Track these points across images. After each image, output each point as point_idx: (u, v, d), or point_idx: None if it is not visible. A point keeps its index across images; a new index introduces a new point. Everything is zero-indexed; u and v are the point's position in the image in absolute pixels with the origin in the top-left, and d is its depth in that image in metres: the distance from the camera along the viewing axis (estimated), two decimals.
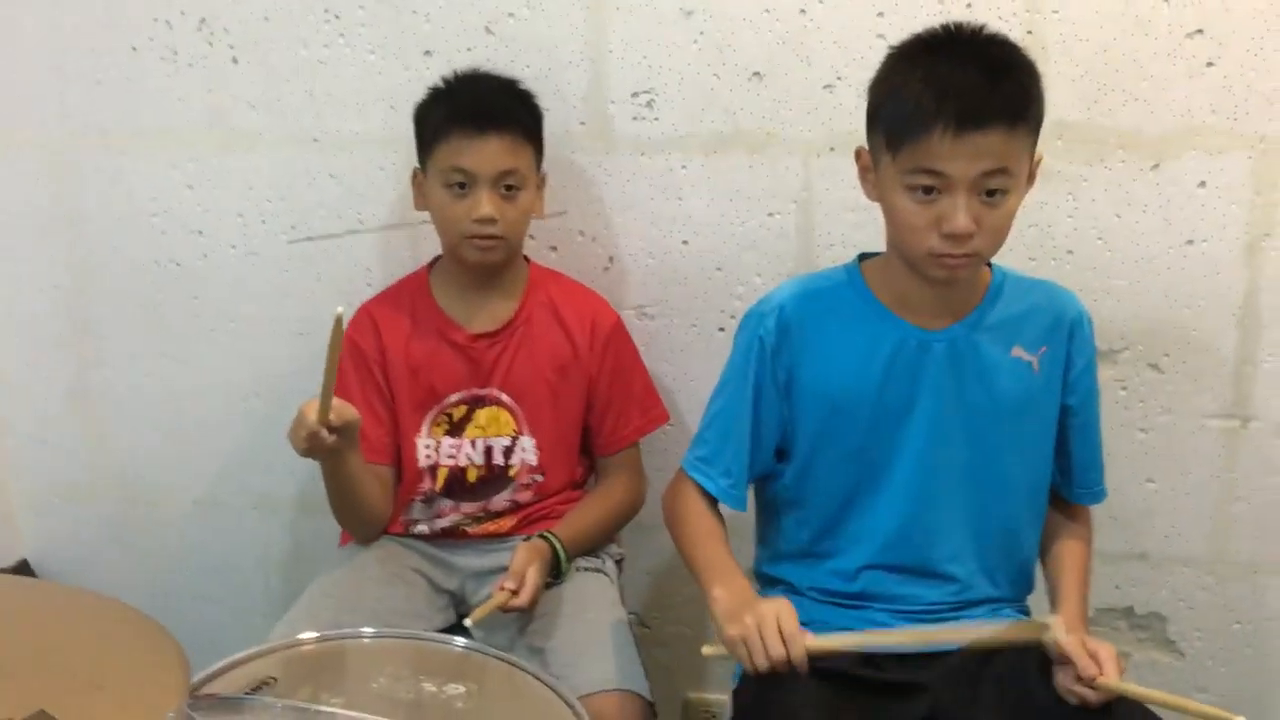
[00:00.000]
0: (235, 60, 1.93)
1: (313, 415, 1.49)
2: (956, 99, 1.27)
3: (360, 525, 1.75)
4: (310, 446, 1.52)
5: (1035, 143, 1.35)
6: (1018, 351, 1.46)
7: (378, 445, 1.75)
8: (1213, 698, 1.89)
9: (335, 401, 1.49)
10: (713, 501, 1.53)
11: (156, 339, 2.09)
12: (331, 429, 1.50)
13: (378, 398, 1.76)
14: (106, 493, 2.20)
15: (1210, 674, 1.90)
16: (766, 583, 1.59)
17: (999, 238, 1.35)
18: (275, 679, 1.30)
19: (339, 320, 1.37)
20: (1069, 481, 1.54)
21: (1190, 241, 1.74)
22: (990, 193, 1.31)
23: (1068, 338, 1.48)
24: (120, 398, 2.14)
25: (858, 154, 1.43)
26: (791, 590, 1.53)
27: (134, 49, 1.96)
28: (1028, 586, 1.55)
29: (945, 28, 1.36)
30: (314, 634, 1.39)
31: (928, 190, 1.31)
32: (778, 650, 1.27)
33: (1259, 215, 1.72)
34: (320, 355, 1.40)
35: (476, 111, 1.67)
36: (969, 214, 1.30)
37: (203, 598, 2.21)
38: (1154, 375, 1.80)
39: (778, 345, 1.47)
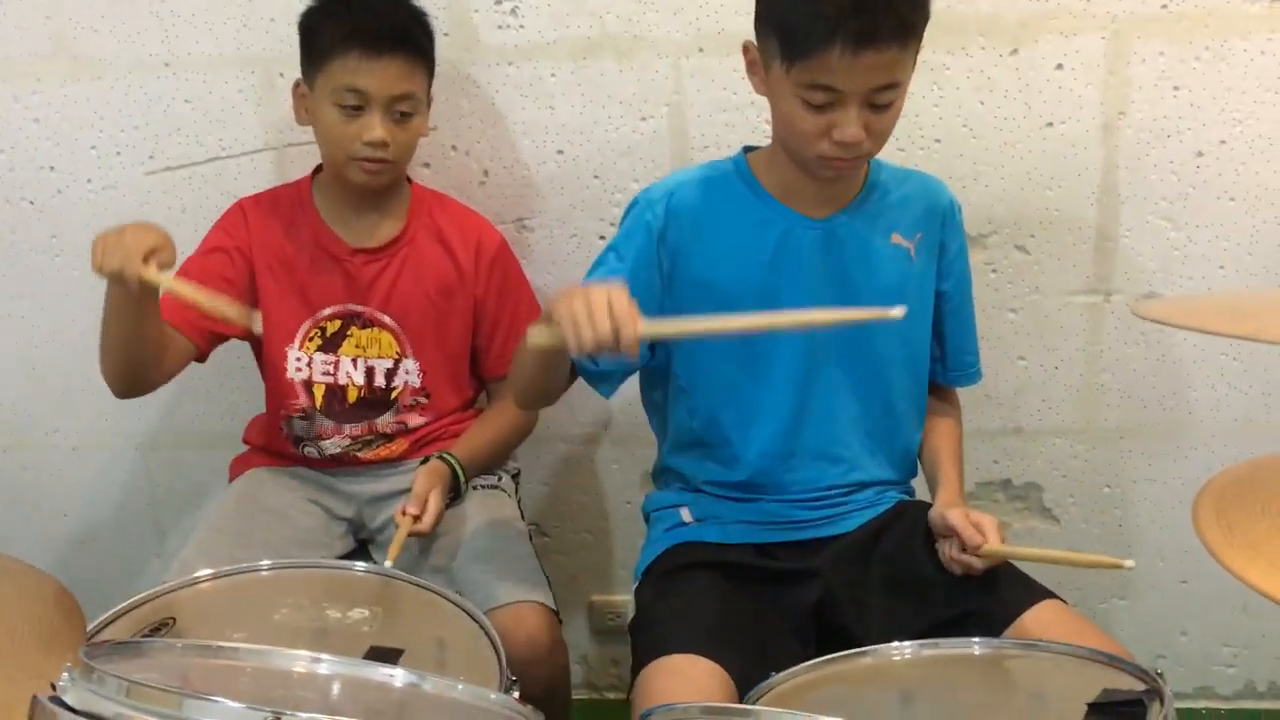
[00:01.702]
0: None
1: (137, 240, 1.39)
2: (854, 18, 1.27)
3: (120, 371, 1.60)
4: (123, 273, 1.39)
5: (919, 46, 1.37)
6: (896, 238, 1.50)
7: (197, 322, 1.63)
8: None
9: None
10: None
11: (13, 281, 2.00)
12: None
13: (225, 283, 1.67)
14: None
15: (1084, 536, 2.00)
16: (662, 475, 1.62)
17: (885, 138, 1.38)
18: (174, 619, 1.29)
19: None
20: (944, 366, 1.60)
21: (1050, 124, 1.79)
22: (877, 104, 1.33)
23: (941, 225, 1.53)
24: None
25: (745, 48, 1.42)
26: (686, 484, 1.56)
27: None
28: (912, 469, 1.61)
29: None
30: (209, 571, 1.37)
31: (820, 101, 1.32)
32: (604, 327, 1.17)
33: (1113, 94, 1.77)
34: None
35: (377, 32, 1.60)
36: (860, 124, 1.32)
37: (88, 543, 2.16)
38: (1021, 256, 1.86)
39: (664, 231, 1.47)
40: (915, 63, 1.37)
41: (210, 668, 0.93)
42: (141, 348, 1.57)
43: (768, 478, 1.51)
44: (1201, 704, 2.07)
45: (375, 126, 1.61)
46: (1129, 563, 1.26)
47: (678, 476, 1.57)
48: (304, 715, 0.80)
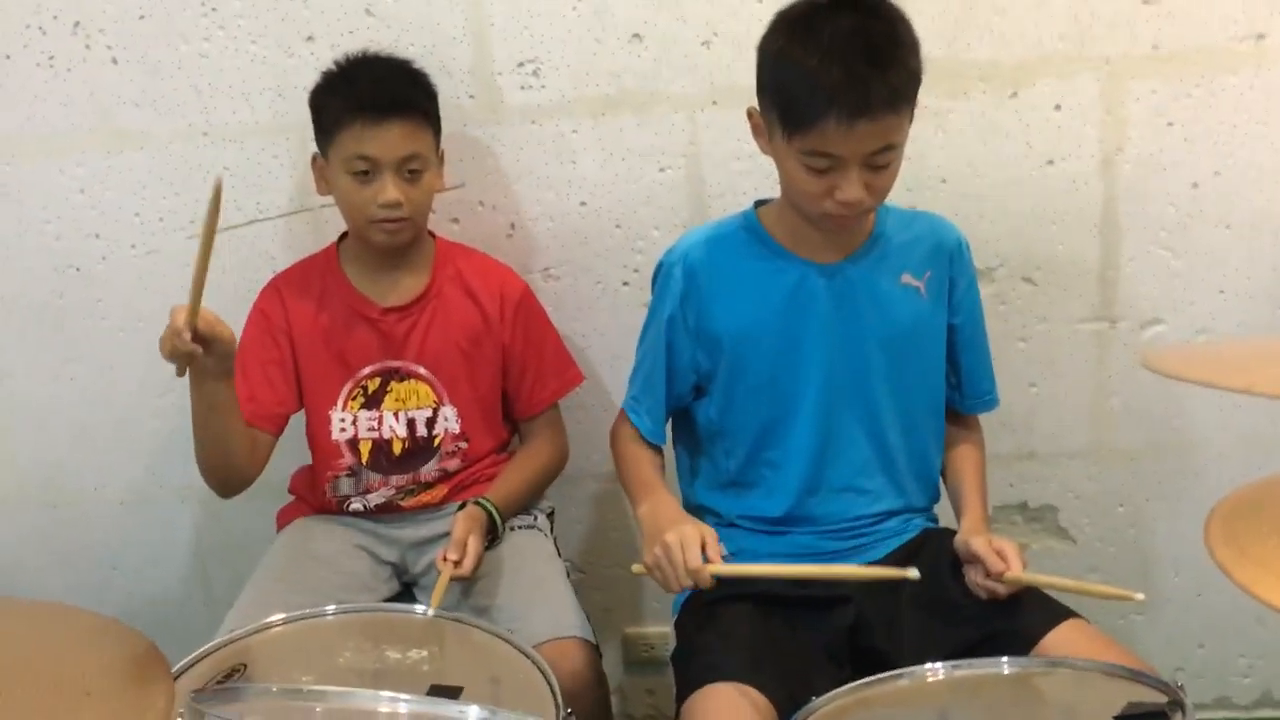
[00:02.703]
0: (115, 60, 1.92)
1: (180, 315, 1.44)
2: (846, 93, 1.35)
3: (220, 472, 1.69)
4: (174, 349, 1.46)
5: (914, 110, 1.45)
6: (906, 279, 1.58)
7: (265, 411, 1.76)
8: (1104, 576, 2.06)
9: (209, 313, 1.46)
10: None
11: (61, 344, 2.09)
12: (197, 337, 1.45)
13: (276, 366, 1.79)
14: (25, 500, 2.19)
15: (1100, 554, 2.07)
16: (697, 513, 1.68)
17: (886, 194, 1.47)
18: (245, 665, 1.35)
19: (218, 190, 1.33)
20: (962, 394, 1.67)
21: (1051, 162, 1.87)
22: (876, 166, 1.41)
23: (949, 262, 1.61)
24: (28, 407, 2.13)
25: (749, 114, 1.51)
26: (720, 520, 1.63)
27: (8, 57, 1.93)
28: (935, 494, 1.68)
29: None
30: (281, 616, 1.44)
31: (821, 166, 1.40)
32: (684, 581, 1.38)
33: (1110, 132, 1.85)
34: None
35: (375, 99, 1.68)
36: (860, 184, 1.41)
37: (137, 594, 2.23)
38: (1028, 288, 1.94)
39: (686, 291, 1.57)
40: (911, 121, 1.45)
41: (302, 710, 1.00)
42: (228, 440, 1.65)
43: (800, 511, 1.58)
44: (1220, 714, 2.13)
45: (388, 189, 1.69)
46: (1139, 595, 1.32)
47: (711, 514, 1.64)
48: None
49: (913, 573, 1.34)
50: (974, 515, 1.55)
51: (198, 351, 1.47)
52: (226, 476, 1.71)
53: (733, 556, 1.58)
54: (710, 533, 1.40)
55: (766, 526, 1.59)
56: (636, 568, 1.45)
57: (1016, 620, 1.43)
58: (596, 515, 2.13)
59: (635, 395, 1.66)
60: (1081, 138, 1.85)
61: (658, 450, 1.65)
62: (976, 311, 1.66)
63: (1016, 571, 1.41)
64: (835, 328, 1.55)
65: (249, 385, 1.75)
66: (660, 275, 1.62)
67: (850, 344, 1.55)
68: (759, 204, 1.62)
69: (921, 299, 1.58)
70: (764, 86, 1.47)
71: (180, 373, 1.52)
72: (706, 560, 1.37)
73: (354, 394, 1.81)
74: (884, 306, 1.56)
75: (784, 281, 1.55)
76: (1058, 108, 1.84)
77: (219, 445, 1.65)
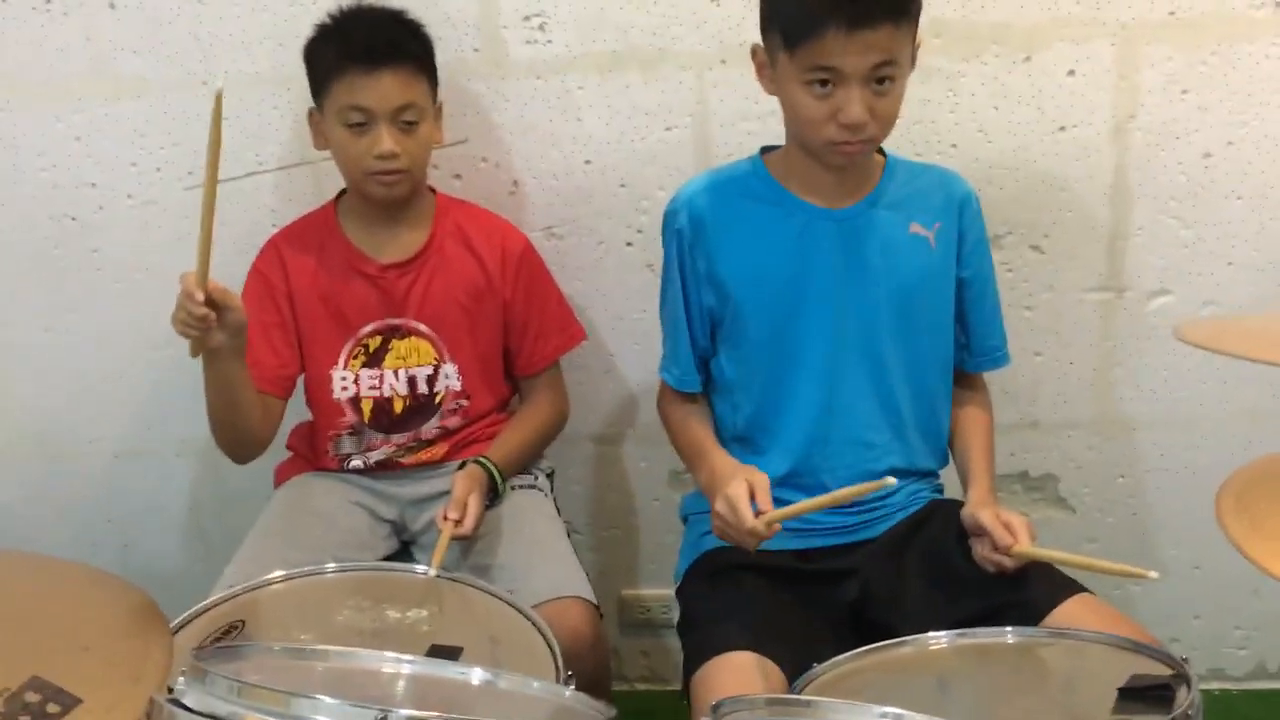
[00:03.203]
0: (112, 6, 1.88)
1: (191, 280, 1.45)
2: (847, 2, 1.35)
3: (235, 444, 1.73)
4: (188, 315, 1.46)
5: (916, 31, 1.44)
6: (915, 228, 1.56)
7: (270, 375, 1.76)
8: (1102, 546, 2.06)
9: (219, 286, 1.47)
10: (684, 394, 1.64)
11: (57, 294, 2.06)
12: (210, 301, 1.46)
13: (277, 329, 1.78)
14: (21, 452, 2.17)
15: (1099, 525, 2.07)
16: None
17: (890, 122, 1.45)
18: (243, 622, 1.35)
19: (219, 99, 1.32)
20: (970, 352, 1.66)
21: (1062, 128, 1.85)
22: (880, 81, 1.40)
23: (959, 214, 1.59)
24: (25, 356, 2.10)
25: (754, 51, 1.50)
26: None
27: (4, 1, 1.89)
28: (943, 454, 1.66)
29: None
30: (281, 573, 1.43)
31: (823, 84, 1.39)
32: (751, 544, 1.39)
33: (1123, 98, 1.83)
34: None
35: (368, 48, 1.66)
36: (863, 104, 1.39)
37: (132, 548, 2.22)
38: (1035, 256, 1.92)
39: (693, 237, 1.56)
40: (914, 47, 1.44)
41: (304, 669, 0.99)
42: (241, 410, 1.67)
43: (807, 465, 1.56)
44: (1215, 685, 2.14)
45: (383, 139, 1.66)
46: (1153, 573, 1.27)
47: None
48: (404, 713, 0.86)
49: (891, 481, 1.35)
50: (981, 487, 1.54)
51: (211, 316, 1.47)
52: (242, 446, 1.73)
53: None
54: (759, 479, 1.40)
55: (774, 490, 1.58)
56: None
57: (1023, 594, 1.42)
58: (594, 477, 2.12)
59: (665, 353, 1.65)
60: (1094, 104, 1.83)
61: (695, 399, 1.64)
62: (987, 266, 1.64)
63: (1024, 546, 1.41)
64: (843, 274, 1.53)
65: (252, 350, 1.72)
66: (666, 223, 1.60)
67: (859, 291, 1.53)
68: (764, 150, 1.60)
69: (931, 250, 1.56)
70: (766, 13, 1.47)
71: (195, 351, 1.53)
72: (759, 512, 1.37)
73: (355, 352, 1.79)
74: (893, 254, 1.54)
75: (790, 226, 1.53)
76: (1071, 73, 1.82)
77: (235, 419, 1.67)
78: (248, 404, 1.67)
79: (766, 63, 1.48)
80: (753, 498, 1.38)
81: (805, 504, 1.42)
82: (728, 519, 1.38)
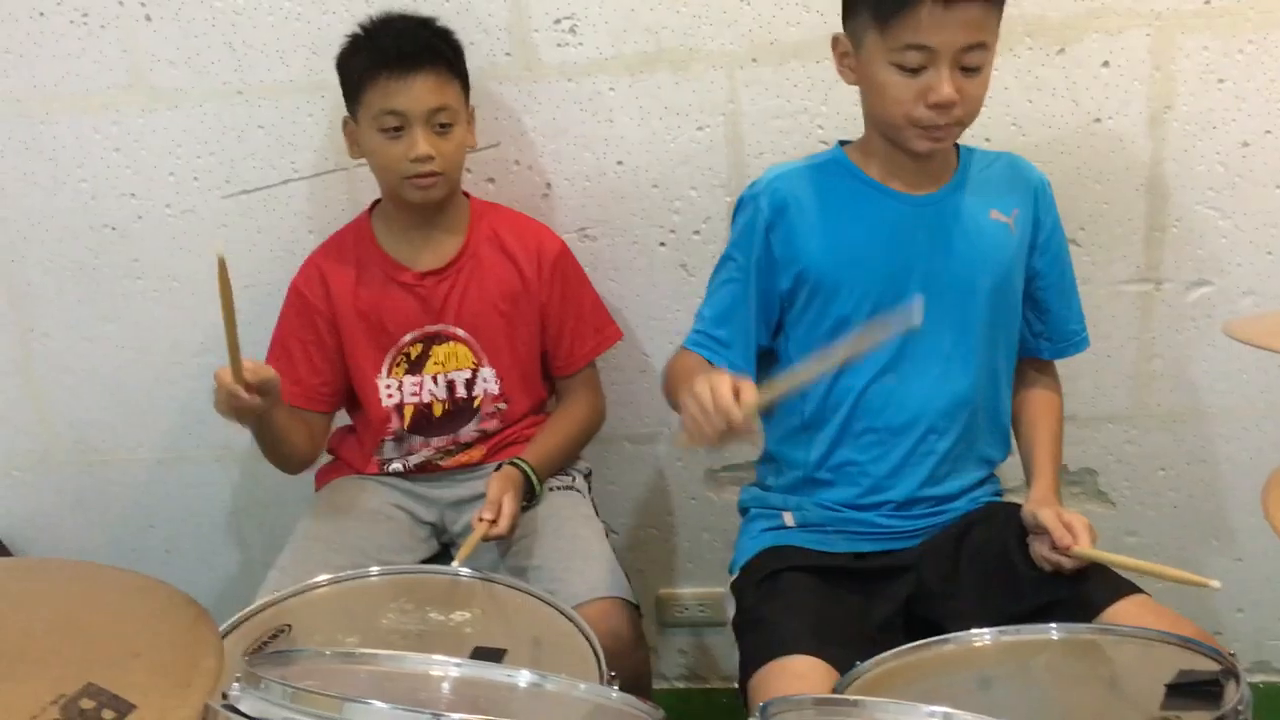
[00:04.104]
0: (149, 18, 1.90)
1: (227, 378, 1.50)
2: None
3: (285, 465, 1.80)
4: (234, 408, 1.54)
5: (1000, 20, 1.43)
6: (995, 214, 1.56)
7: (312, 393, 1.81)
8: (1143, 540, 2.05)
9: (249, 363, 1.51)
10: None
11: (97, 304, 2.09)
12: (250, 388, 1.51)
13: (316, 348, 1.81)
14: (63, 460, 2.21)
15: (1139, 518, 2.05)
16: (771, 462, 1.65)
17: (976, 106, 1.45)
18: (289, 626, 1.36)
19: (222, 264, 1.39)
20: (1050, 340, 1.65)
21: (1098, 119, 1.84)
22: (967, 67, 1.40)
23: (1035, 201, 1.59)
24: (65, 365, 2.13)
25: (835, 41, 1.50)
26: (795, 474, 1.59)
27: (41, 14, 1.91)
28: (1006, 447, 1.64)
29: None
30: (326, 577, 1.44)
31: (913, 71, 1.39)
32: (718, 425, 1.24)
33: (1159, 89, 1.81)
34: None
35: (401, 53, 1.68)
36: (952, 84, 1.39)
37: (174, 553, 2.25)
38: (1073, 248, 1.88)
39: (772, 221, 1.54)
40: (998, 35, 1.43)
41: (354, 672, 1.00)
42: (288, 441, 1.74)
43: (870, 453, 1.55)
44: (1259, 678, 2.12)
45: (418, 142, 1.68)
46: (1215, 583, 1.25)
47: (786, 464, 1.61)
48: (457, 717, 0.87)
49: (917, 311, 1.27)
50: (1044, 483, 1.53)
51: (260, 403, 1.53)
52: (291, 465, 1.80)
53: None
54: (746, 379, 1.27)
55: (836, 505, 1.56)
56: (675, 437, 1.38)
57: (1078, 591, 1.40)
58: (630, 477, 2.13)
59: (703, 329, 1.57)
60: (1130, 95, 1.81)
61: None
62: (1063, 250, 1.64)
63: (1084, 547, 1.39)
64: (933, 260, 1.52)
65: (294, 368, 1.78)
66: (744, 206, 1.57)
67: (952, 278, 1.52)
68: (842, 144, 1.60)
69: (1011, 235, 1.56)
70: (853, 1, 1.45)
71: (244, 423, 1.59)
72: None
73: (397, 361, 1.81)
74: (978, 240, 1.54)
75: (877, 212, 1.52)
76: (1105, 64, 1.80)
77: (281, 449, 1.75)
78: (293, 434, 1.74)
79: (850, 50, 1.48)
80: (736, 394, 1.24)
81: (789, 379, 1.37)
82: (701, 398, 1.24)
